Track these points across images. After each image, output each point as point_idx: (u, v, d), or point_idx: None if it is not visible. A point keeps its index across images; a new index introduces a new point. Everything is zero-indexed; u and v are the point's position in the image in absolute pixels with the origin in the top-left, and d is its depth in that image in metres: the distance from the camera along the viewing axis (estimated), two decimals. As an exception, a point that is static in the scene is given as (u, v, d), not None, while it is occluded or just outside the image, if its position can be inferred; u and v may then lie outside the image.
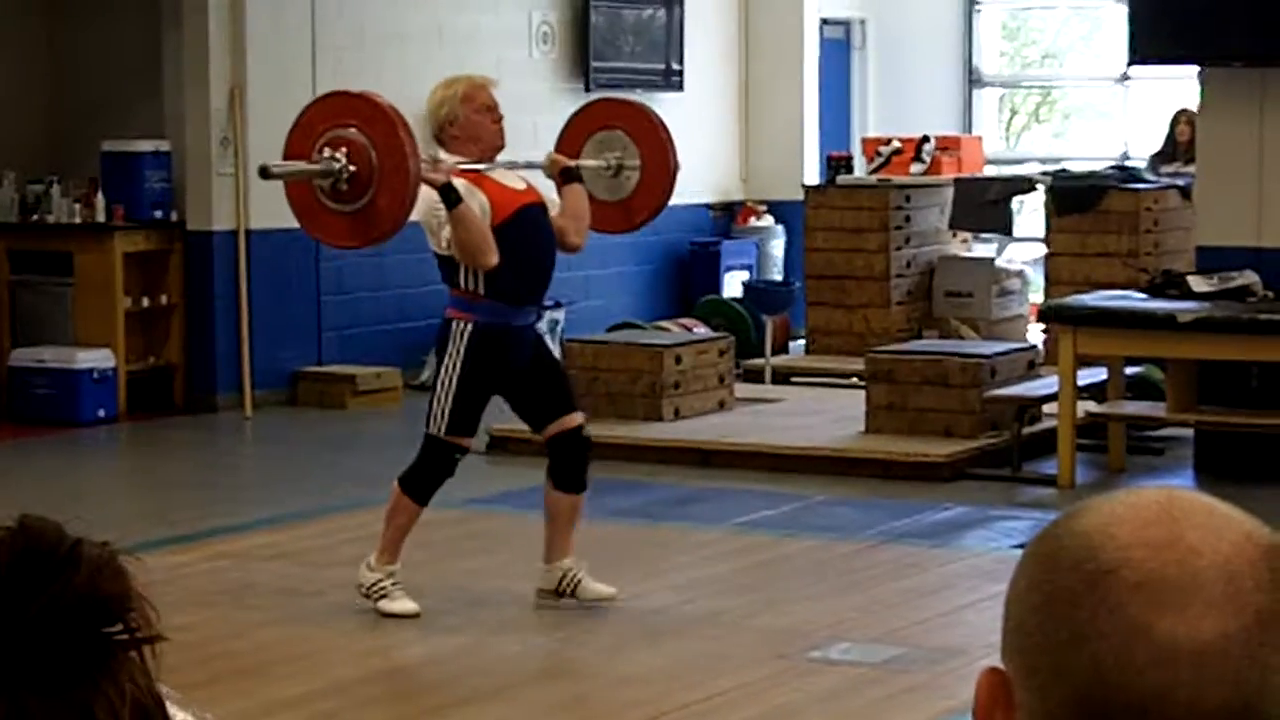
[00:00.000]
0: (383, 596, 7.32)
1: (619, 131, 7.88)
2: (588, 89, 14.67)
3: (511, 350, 7.28)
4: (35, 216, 12.77)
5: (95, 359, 12.25)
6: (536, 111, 12.68)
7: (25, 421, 12.07)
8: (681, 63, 15.46)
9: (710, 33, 15.80)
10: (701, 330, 13.23)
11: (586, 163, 7.74)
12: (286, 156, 7.14)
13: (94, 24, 13.21)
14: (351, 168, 6.94)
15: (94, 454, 11.72)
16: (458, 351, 7.20)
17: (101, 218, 12.55)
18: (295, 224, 12.83)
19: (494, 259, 7.06)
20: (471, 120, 7.26)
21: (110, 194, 12.54)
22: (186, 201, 12.73)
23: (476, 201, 7.13)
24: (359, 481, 10.29)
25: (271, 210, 12.80)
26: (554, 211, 7.43)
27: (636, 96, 15.17)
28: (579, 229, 7.48)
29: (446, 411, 7.23)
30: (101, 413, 12.24)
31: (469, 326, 7.20)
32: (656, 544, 8.76)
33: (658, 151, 7.88)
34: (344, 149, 6.96)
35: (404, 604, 7.33)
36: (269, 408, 12.70)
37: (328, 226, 7.16)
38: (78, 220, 12.63)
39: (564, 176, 7.55)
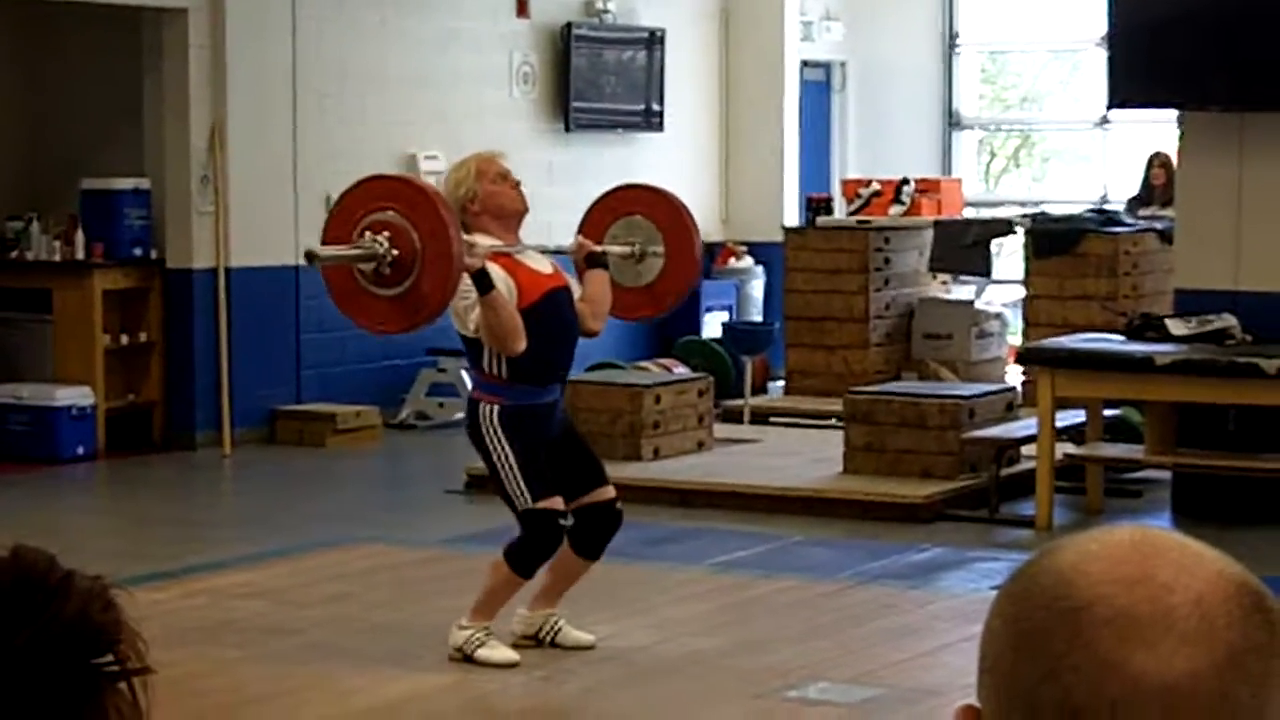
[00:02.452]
0: (479, 646, 7.27)
1: (640, 217, 7.88)
2: (568, 129, 14.71)
3: (541, 423, 7.25)
4: (14, 254, 12.76)
5: (74, 396, 12.23)
6: (517, 151, 12.63)
7: (3, 458, 12.03)
8: (662, 104, 15.50)
9: (691, 74, 15.85)
10: (681, 370, 13.24)
11: (612, 249, 7.75)
12: (325, 241, 7.07)
13: (74, 61, 13.22)
14: (394, 252, 6.89)
15: (72, 491, 11.69)
16: (495, 434, 7.15)
17: (81, 255, 12.54)
18: (275, 262, 12.97)
19: (522, 344, 7.04)
20: (490, 192, 7.25)
21: (90, 231, 12.54)
22: (166, 239, 12.73)
23: (504, 285, 7.12)
24: (338, 520, 10.29)
25: (251, 248, 12.83)
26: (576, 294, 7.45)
27: (617, 137, 15.28)
28: (598, 314, 7.49)
29: (522, 483, 7.14)
30: (80, 450, 12.22)
31: (494, 410, 7.17)
32: (635, 583, 8.75)
33: (682, 236, 7.88)
34: (385, 233, 6.90)
35: (503, 653, 7.28)
36: (248, 446, 12.69)
37: (369, 310, 7.08)
38: (57, 258, 12.63)
39: (588, 262, 7.57)
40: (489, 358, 7.18)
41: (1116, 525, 1.33)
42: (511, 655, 7.28)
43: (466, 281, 7.01)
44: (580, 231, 7.81)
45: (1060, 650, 1.26)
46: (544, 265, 7.34)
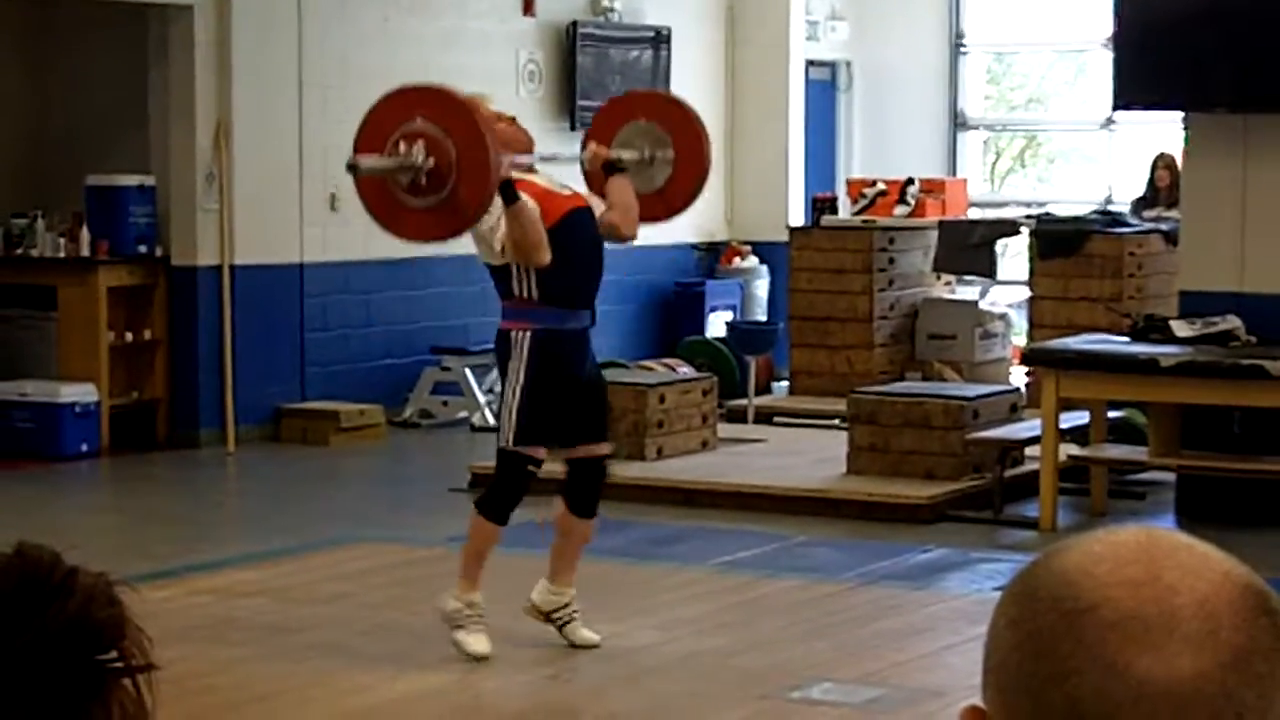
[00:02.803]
0: (459, 627, 7.28)
1: (645, 122, 7.87)
2: (573, 128, 14.70)
3: (575, 354, 7.28)
4: (19, 250, 12.77)
5: (78, 393, 12.24)
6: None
7: (7, 455, 12.04)
8: (667, 103, 15.47)
9: (696, 73, 15.84)
10: (685, 370, 13.23)
11: (624, 154, 7.74)
12: (357, 154, 7.06)
13: (80, 59, 13.23)
14: (431, 160, 6.88)
15: (76, 488, 11.69)
16: (520, 361, 7.17)
17: (86, 252, 12.55)
18: (280, 260, 12.96)
19: (548, 256, 7.05)
20: (498, 130, 7.27)
21: (94, 228, 12.54)
22: (171, 236, 12.73)
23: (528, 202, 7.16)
24: (341, 518, 10.29)
25: (256, 246, 12.83)
26: (598, 210, 7.44)
27: (622, 136, 15.26)
28: (630, 220, 7.53)
29: (514, 422, 7.17)
30: (84, 447, 12.22)
31: (527, 335, 7.19)
32: (639, 583, 8.75)
33: (690, 137, 7.90)
34: (420, 142, 6.89)
35: (479, 644, 7.28)
36: (252, 443, 12.69)
37: (408, 222, 7.07)
38: (62, 254, 12.63)
39: (606, 170, 7.57)
40: (519, 281, 7.18)
41: (1121, 526, 1.33)
42: (484, 648, 7.27)
43: (492, 205, 7.02)
44: (585, 142, 7.82)
45: (1066, 652, 1.25)
46: (561, 188, 7.37)
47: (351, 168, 6.97)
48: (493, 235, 7.15)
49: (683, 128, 7.90)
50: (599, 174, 7.64)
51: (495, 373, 13.68)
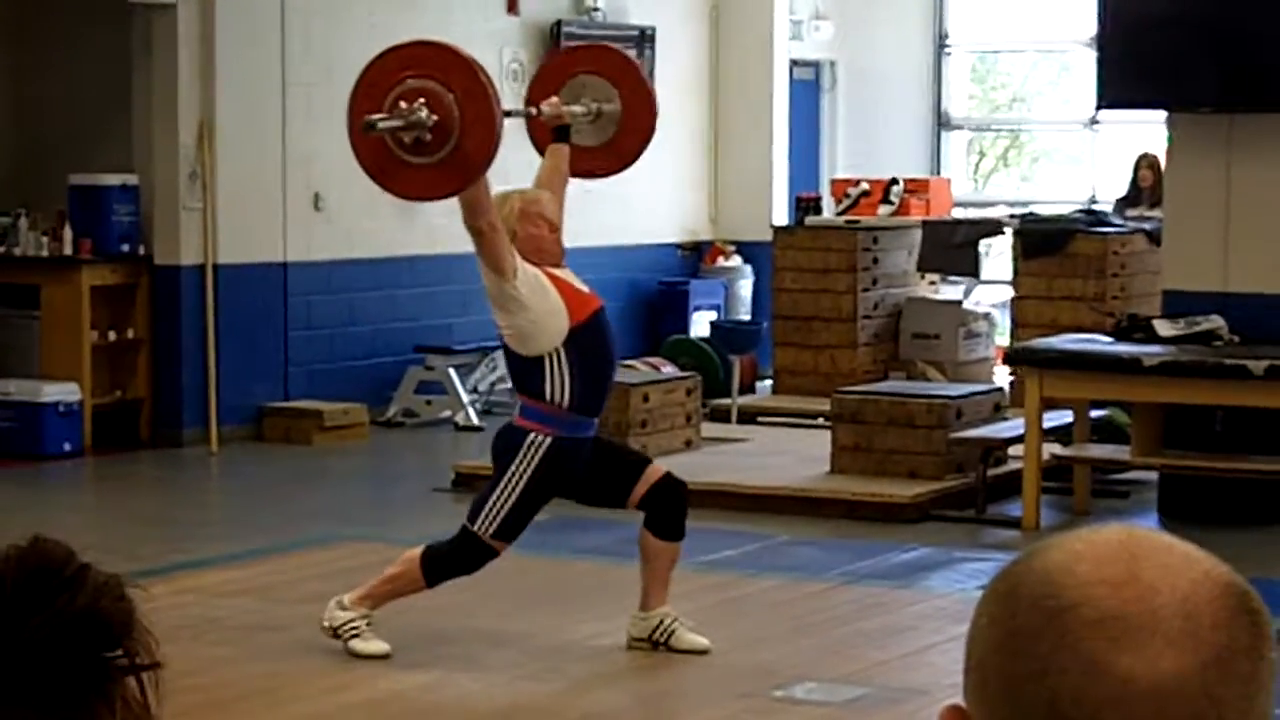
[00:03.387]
0: (354, 636, 7.27)
1: (588, 76, 7.85)
2: (557, 127, 14.69)
3: (578, 462, 7.21)
4: (2, 249, 12.74)
5: (61, 392, 12.22)
6: (505, 149, 12.66)
7: (-11, 454, 12.02)
8: (651, 102, 15.47)
9: (680, 73, 15.85)
10: (669, 369, 13.23)
11: (572, 109, 7.71)
12: (354, 119, 7.00)
13: (63, 57, 13.20)
14: (434, 117, 6.83)
15: (58, 488, 11.67)
16: (530, 462, 7.07)
17: (69, 251, 12.53)
18: (263, 259, 12.95)
19: (492, 216, 6.96)
20: (531, 234, 7.21)
21: (78, 227, 12.52)
22: (154, 236, 12.71)
23: (550, 298, 7.09)
24: (325, 517, 10.28)
25: (239, 245, 12.82)
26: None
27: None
28: (560, 187, 7.53)
29: (501, 517, 7.10)
30: (67, 446, 12.20)
31: (547, 440, 7.08)
32: (622, 582, 8.74)
33: (636, 89, 7.88)
34: (421, 99, 6.85)
35: (376, 644, 7.28)
36: (235, 443, 12.68)
37: (413, 181, 7.00)
38: (45, 253, 12.61)
39: (555, 132, 7.55)
40: (552, 384, 7.06)
41: (1103, 525, 1.33)
42: (383, 646, 7.25)
43: (520, 292, 6.95)
44: (530, 98, 7.78)
45: (1046, 651, 1.26)
46: (581, 285, 7.31)
47: (367, 125, 6.88)
48: (530, 326, 7.06)
49: (627, 81, 7.88)
50: (547, 131, 7.60)
51: (478, 376, 13.69)
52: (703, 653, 7.38)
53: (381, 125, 6.83)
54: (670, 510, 7.37)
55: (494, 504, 7.11)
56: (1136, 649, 1.24)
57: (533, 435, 7.10)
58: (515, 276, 7.00)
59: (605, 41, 8.23)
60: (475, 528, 7.14)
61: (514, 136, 7.35)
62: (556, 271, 7.21)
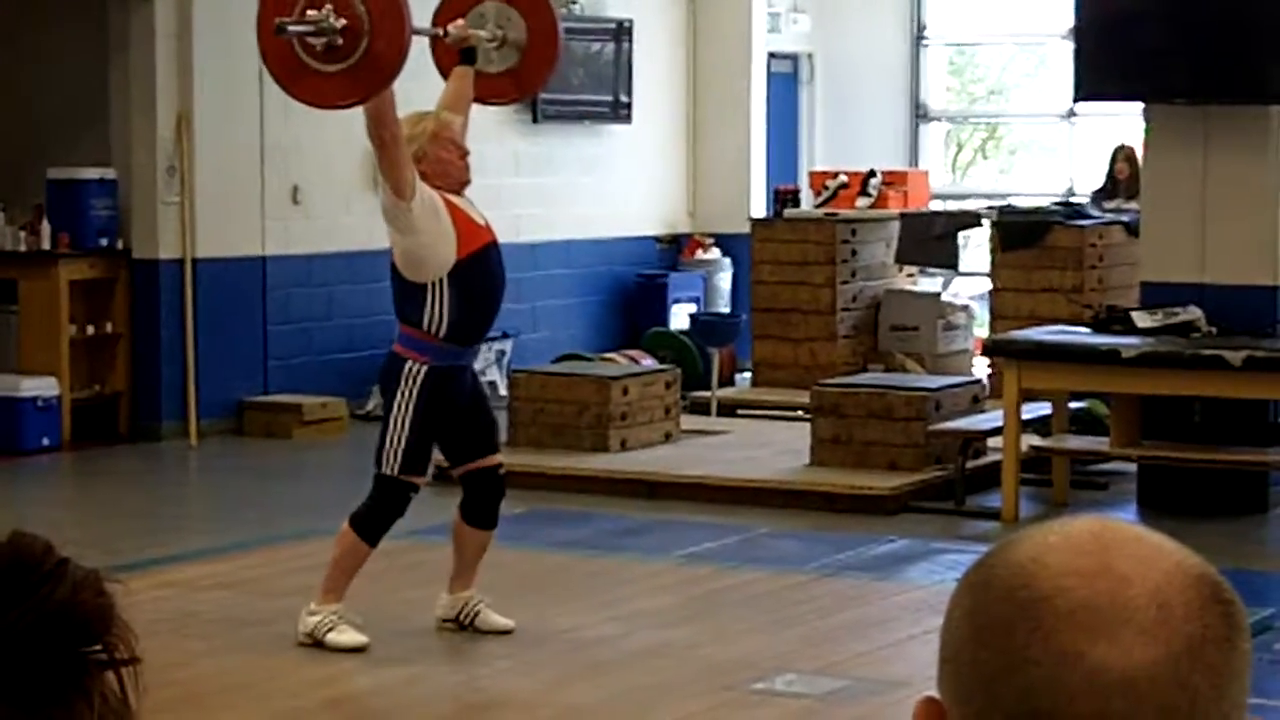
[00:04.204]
0: (329, 630, 7.29)
1: (495, 2, 7.86)
2: (535, 120, 14.70)
3: (457, 388, 7.31)
4: (-20, 244, 12.72)
5: (39, 387, 12.19)
6: (483, 141, 12.67)
7: (-32, 449, 12.00)
8: (630, 95, 15.50)
9: (658, 66, 15.85)
10: (648, 362, 13.24)
11: (479, 33, 7.74)
12: (263, 23, 7.02)
13: (39, 50, 13.17)
14: (342, 22, 6.86)
15: (37, 483, 11.66)
16: (411, 392, 7.19)
17: (46, 245, 12.50)
18: (242, 253, 12.93)
19: (391, 136, 6.98)
20: (441, 157, 7.26)
21: (55, 221, 12.50)
22: (132, 230, 12.69)
23: (443, 224, 7.15)
24: (304, 511, 10.28)
25: (218, 239, 12.80)
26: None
27: (584, 128, 15.28)
28: (464, 110, 7.57)
29: (400, 451, 7.22)
30: (45, 441, 12.18)
31: (423, 369, 7.19)
32: (601, 575, 8.76)
33: (542, 19, 7.89)
34: (327, 5, 6.87)
35: (353, 636, 7.30)
36: (214, 437, 12.67)
37: (320, 89, 7.02)
38: (22, 248, 12.58)
39: (462, 55, 7.60)
40: (430, 314, 7.16)
41: (1076, 517, 1.34)
42: (361, 639, 7.28)
43: (414, 214, 7.00)
44: (437, 20, 7.80)
45: (1020, 642, 1.26)
46: (478, 216, 7.36)
47: (279, 28, 6.92)
48: (419, 250, 7.14)
49: (536, 11, 7.89)
50: (452, 55, 7.64)
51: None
52: (506, 632, 7.47)
53: (291, 29, 6.89)
54: (485, 499, 7.50)
55: (391, 443, 7.24)
56: (1109, 639, 1.25)
57: (409, 364, 7.21)
58: (412, 196, 7.05)
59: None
60: (383, 470, 7.28)
61: (416, 63, 7.35)
62: (456, 199, 7.26)
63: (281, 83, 7.14)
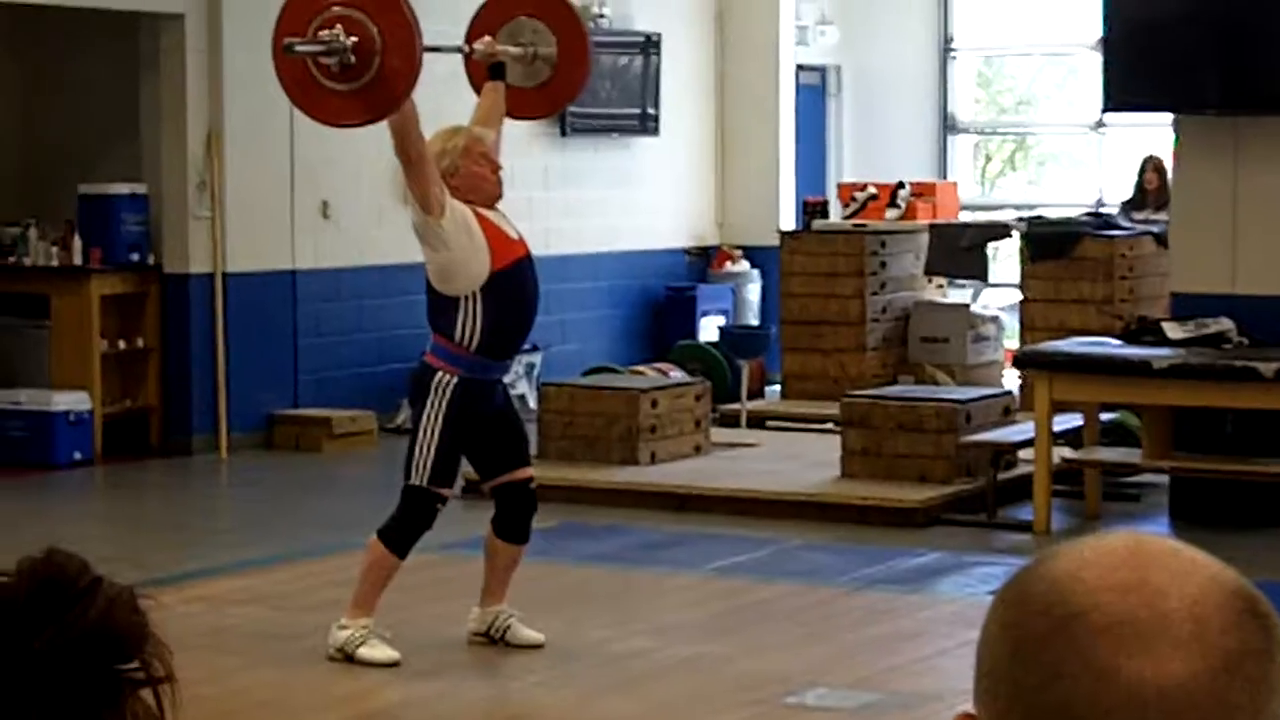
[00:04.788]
0: (360, 644, 7.29)
1: (525, 18, 7.90)
2: (564, 134, 14.72)
3: (486, 401, 7.32)
4: (12, 259, 12.77)
5: (71, 401, 12.23)
6: (513, 155, 12.64)
7: (0, 464, 12.03)
8: (658, 108, 15.51)
9: (686, 78, 15.86)
10: (677, 375, 13.24)
11: (509, 49, 7.78)
12: (277, 41, 7.08)
13: (72, 67, 13.22)
14: (354, 39, 6.90)
15: (69, 496, 11.69)
16: (440, 403, 7.21)
17: (78, 260, 12.54)
18: (272, 267, 12.96)
19: (416, 150, 7.03)
20: (473, 172, 7.29)
21: (87, 237, 12.54)
22: (163, 244, 12.73)
23: (475, 239, 7.16)
24: (335, 525, 10.28)
25: (248, 253, 12.83)
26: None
27: (613, 141, 15.29)
28: (495, 125, 7.61)
29: (429, 463, 7.23)
30: (77, 455, 12.21)
31: (454, 380, 7.21)
32: (632, 588, 8.75)
33: (573, 35, 7.93)
34: (339, 26, 6.92)
35: (385, 651, 7.30)
36: (245, 451, 12.69)
37: (333, 107, 7.08)
38: (54, 263, 12.63)
39: (490, 70, 7.62)
40: (463, 326, 7.18)
41: (1111, 532, 1.33)
42: (392, 654, 7.28)
43: (444, 230, 7.02)
44: (469, 37, 7.83)
45: (1057, 658, 1.26)
46: (511, 230, 7.38)
47: (287, 47, 6.98)
48: (451, 265, 7.16)
49: (566, 27, 7.92)
50: (483, 70, 7.68)
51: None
52: (537, 646, 7.47)
53: (300, 48, 6.95)
54: (517, 513, 7.51)
55: (420, 454, 7.25)
56: (1145, 653, 1.25)
57: (440, 375, 7.23)
58: (442, 213, 7.08)
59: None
60: (411, 481, 7.28)
61: (452, 80, 7.35)
62: (488, 213, 7.28)
63: (297, 102, 7.19)
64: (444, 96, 7.15)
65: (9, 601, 1.32)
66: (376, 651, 7.27)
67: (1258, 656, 1.26)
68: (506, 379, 7.68)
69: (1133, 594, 1.27)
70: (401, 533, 7.32)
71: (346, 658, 7.28)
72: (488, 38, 7.71)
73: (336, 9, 6.95)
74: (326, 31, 6.93)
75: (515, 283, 7.27)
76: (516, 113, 7.90)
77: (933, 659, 7.53)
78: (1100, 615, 1.26)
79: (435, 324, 7.33)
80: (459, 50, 7.83)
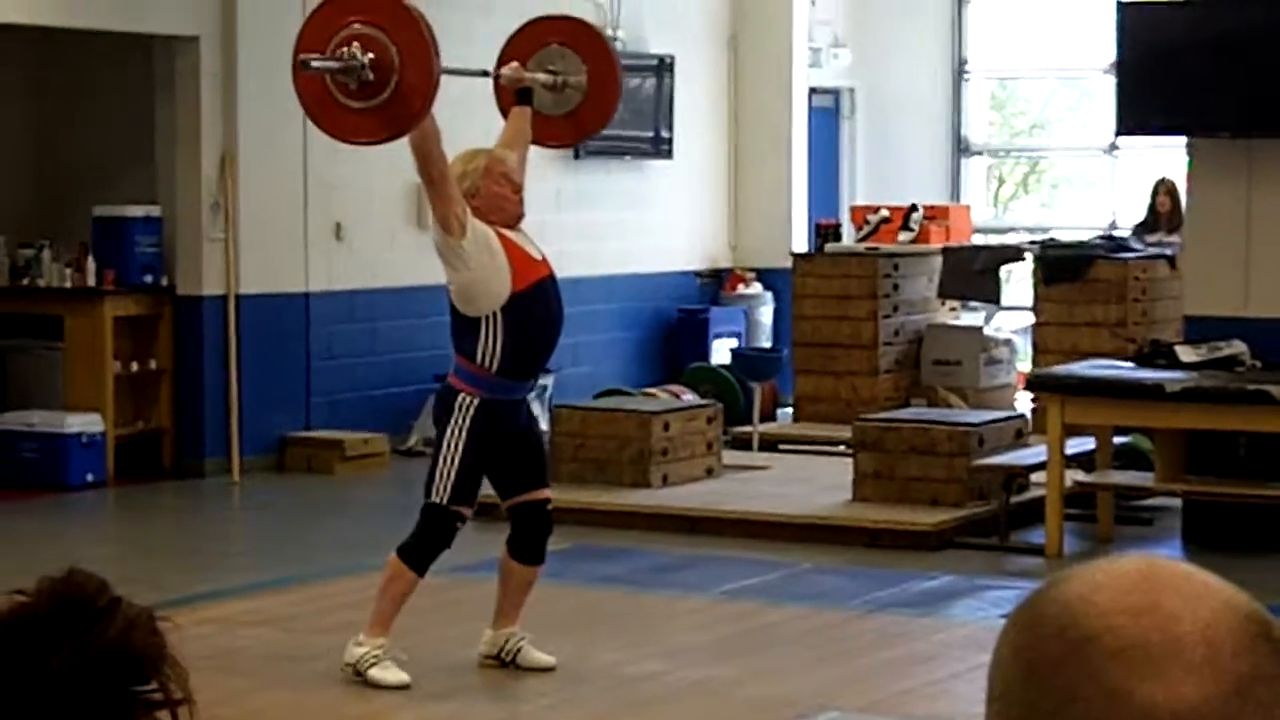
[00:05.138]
0: (373, 665, 7.29)
1: (557, 46, 7.93)
2: (577, 156, 14.73)
3: (509, 421, 7.32)
4: (26, 280, 12.79)
5: (84, 423, 12.24)
6: (526, 178, 12.72)
7: (13, 485, 12.04)
8: (671, 130, 15.53)
9: (700, 101, 15.87)
10: (689, 397, 13.23)
11: (537, 76, 7.81)
12: (299, 50, 7.11)
13: (86, 89, 13.26)
14: (370, 55, 6.92)
15: (81, 518, 11.69)
16: (462, 424, 7.22)
17: (92, 282, 12.56)
18: (285, 289, 12.97)
19: (436, 168, 7.05)
20: (494, 192, 7.31)
21: (101, 258, 12.56)
22: (177, 266, 12.75)
23: (497, 259, 7.18)
24: (346, 547, 10.29)
25: (261, 275, 12.84)
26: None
27: (626, 164, 15.30)
28: (524, 156, 7.66)
29: (450, 484, 7.24)
30: (90, 477, 12.22)
31: (475, 401, 7.22)
32: (643, 611, 8.75)
33: (603, 65, 7.96)
34: (356, 44, 6.95)
35: (396, 674, 7.30)
36: (257, 473, 12.69)
37: (349, 125, 7.11)
38: (68, 284, 12.65)
39: (517, 96, 7.65)
40: (484, 348, 7.20)
41: (1123, 555, 1.33)
42: (403, 677, 7.28)
43: (465, 250, 7.03)
44: (501, 62, 7.86)
45: (1069, 681, 1.26)
46: (533, 250, 7.39)
47: (302, 64, 7.01)
48: (472, 285, 7.17)
49: (597, 56, 7.95)
50: (511, 95, 7.73)
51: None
52: (548, 669, 7.47)
53: (316, 64, 6.97)
54: (533, 534, 7.50)
55: (441, 473, 7.26)
56: (1158, 677, 1.24)
57: (462, 396, 7.25)
58: (464, 233, 7.10)
59: (576, 18, 8.33)
60: (431, 500, 7.30)
61: (464, 103, 7.36)
62: (510, 234, 7.30)
63: (316, 120, 7.22)
64: (456, 119, 7.17)
65: (28, 620, 1.32)
66: (388, 674, 7.27)
67: (1270, 681, 1.26)
68: None
69: (1145, 617, 1.26)
70: (421, 550, 7.33)
71: (358, 674, 7.28)
72: (514, 63, 7.75)
73: (356, 27, 6.97)
74: (344, 49, 6.96)
75: (537, 303, 7.28)
76: (545, 140, 7.94)
77: (945, 682, 7.51)
78: (1113, 638, 1.26)
79: (459, 346, 7.35)
80: (487, 75, 7.87)
